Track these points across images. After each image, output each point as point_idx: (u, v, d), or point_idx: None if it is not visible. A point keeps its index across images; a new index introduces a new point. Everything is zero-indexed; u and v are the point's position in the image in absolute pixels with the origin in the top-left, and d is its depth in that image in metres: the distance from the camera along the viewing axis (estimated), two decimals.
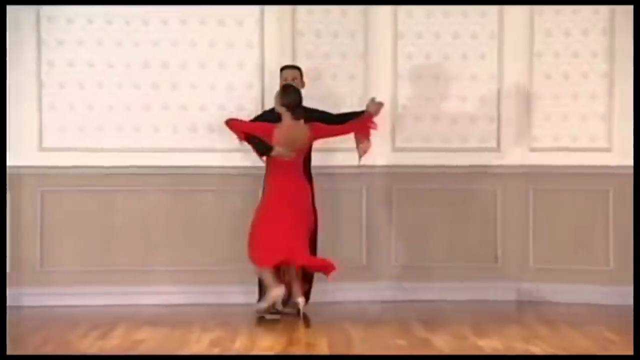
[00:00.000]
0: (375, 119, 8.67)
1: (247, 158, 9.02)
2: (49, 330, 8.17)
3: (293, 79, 8.81)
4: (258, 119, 8.84)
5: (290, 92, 8.56)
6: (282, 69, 8.96)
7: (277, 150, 8.52)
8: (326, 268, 8.53)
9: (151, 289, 9.17)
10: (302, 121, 8.56)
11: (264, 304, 8.65)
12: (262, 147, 8.55)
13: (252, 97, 9.37)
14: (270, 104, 9.08)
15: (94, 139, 9.27)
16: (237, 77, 9.37)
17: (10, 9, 8.98)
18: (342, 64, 9.48)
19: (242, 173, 9.29)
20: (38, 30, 9.20)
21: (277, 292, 8.56)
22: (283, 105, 8.52)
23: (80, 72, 9.23)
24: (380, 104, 8.73)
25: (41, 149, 9.25)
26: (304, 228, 8.61)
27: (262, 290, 8.77)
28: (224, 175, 9.33)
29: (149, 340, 7.86)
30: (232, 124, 8.58)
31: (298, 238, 8.53)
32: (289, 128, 8.55)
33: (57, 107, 9.26)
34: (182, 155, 9.28)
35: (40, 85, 9.22)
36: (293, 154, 8.54)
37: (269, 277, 8.59)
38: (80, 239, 9.26)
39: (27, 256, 9.22)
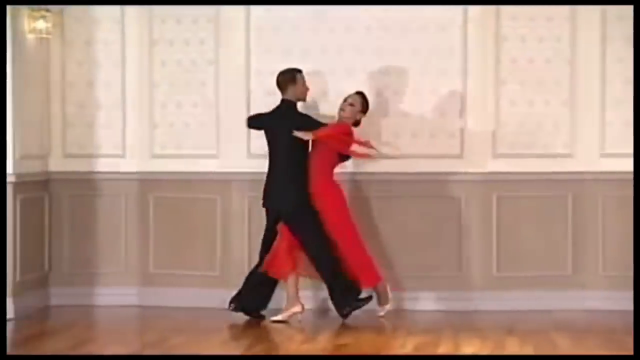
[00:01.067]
0: None
1: (452, 164, 9.05)
2: (258, 331, 8.31)
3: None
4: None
5: None
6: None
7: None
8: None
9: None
10: None
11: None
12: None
13: (454, 103, 9.22)
14: (474, 109, 9.04)
15: None
16: (439, 83, 9.23)
17: (223, 14, 9.19)
18: (547, 68, 9.20)
19: (454, 180, 9.20)
20: (248, 40, 9.30)
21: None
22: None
23: None
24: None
25: (250, 155, 9.33)
26: None
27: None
28: (436, 181, 9.21)
29: (353, 345, 7.86)
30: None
31: None
32: None
33: None
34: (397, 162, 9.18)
35: (248, 92, 9.31)
36: None
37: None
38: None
39: (236, 259, 9.32)
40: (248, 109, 9.28)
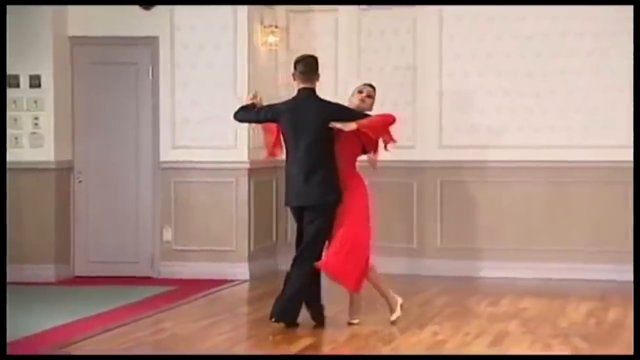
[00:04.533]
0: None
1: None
2: (452, 295, 8.26)
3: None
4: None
5: None
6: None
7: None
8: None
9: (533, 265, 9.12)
10: None
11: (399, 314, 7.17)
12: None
13: None
14: None
15: None
16: None
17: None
18: None
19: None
20: None
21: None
22: None
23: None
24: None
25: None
26: None
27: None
28: None
29: (532, 308, 7.72)
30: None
31: None
32: None
33: None
34: None
35: None
36: None
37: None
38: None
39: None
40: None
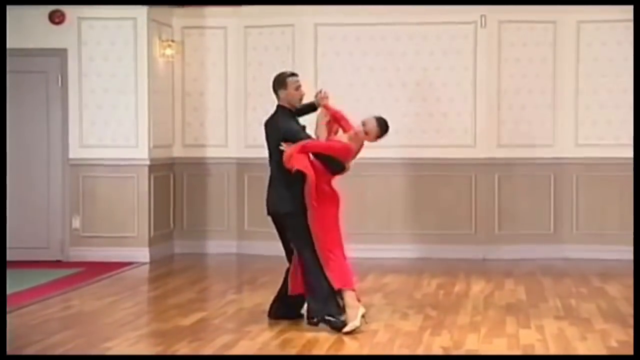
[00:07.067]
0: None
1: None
2: None
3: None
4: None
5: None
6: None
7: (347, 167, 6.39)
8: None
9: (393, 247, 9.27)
10: None
11: (356, 324, 6.15)
12: (337, 167, 6.33)
13: None
14: None
15: None
16: None
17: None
18: None
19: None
20: None
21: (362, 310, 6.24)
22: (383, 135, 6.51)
23: None
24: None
25: None
26: None
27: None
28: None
29: (392, 283, 7.83)
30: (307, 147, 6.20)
31: None
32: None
33: None
34: None
35: None
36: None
37: (353, 297, 6.26)
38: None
39: None
40: None
